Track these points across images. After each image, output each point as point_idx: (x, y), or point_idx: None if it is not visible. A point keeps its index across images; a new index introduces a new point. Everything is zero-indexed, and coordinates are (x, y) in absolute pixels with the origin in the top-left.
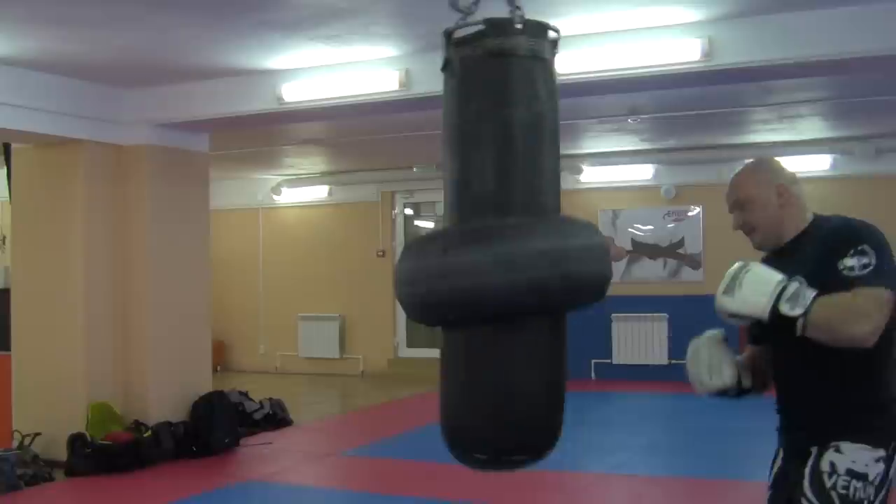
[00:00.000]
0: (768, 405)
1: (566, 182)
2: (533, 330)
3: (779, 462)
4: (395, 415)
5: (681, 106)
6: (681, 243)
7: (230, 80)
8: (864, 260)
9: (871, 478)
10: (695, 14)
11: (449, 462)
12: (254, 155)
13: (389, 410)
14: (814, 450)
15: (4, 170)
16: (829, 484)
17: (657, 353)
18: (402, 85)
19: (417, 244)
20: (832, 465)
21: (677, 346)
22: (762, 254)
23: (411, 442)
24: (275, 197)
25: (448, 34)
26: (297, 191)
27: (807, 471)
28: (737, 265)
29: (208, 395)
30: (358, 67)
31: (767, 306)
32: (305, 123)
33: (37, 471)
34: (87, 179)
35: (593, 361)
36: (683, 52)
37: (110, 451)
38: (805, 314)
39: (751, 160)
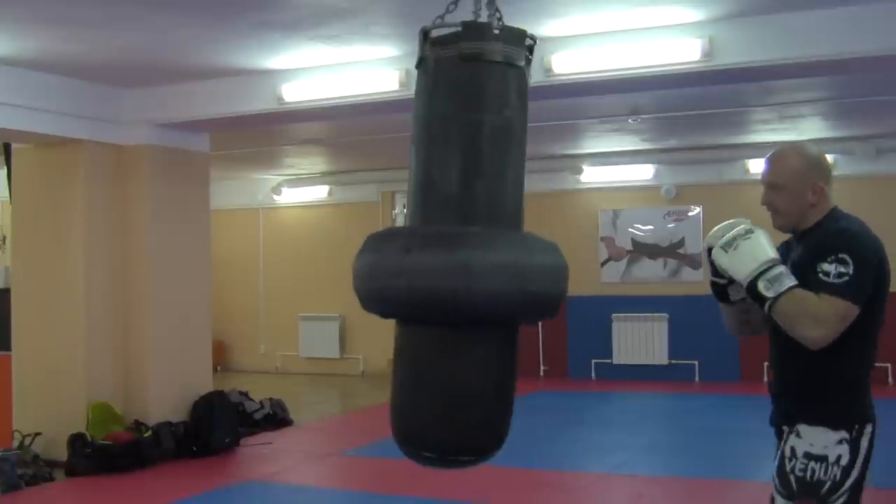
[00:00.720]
0: (767, 406)
1: (566, 182)
2: (485, 336)
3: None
4: None
5: (681, 106)
6: (681, 243)
7: (230, 80)
8: (842, 269)
9: (831, 459)
10: (695, 14)
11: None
12: (254, 155)
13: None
14: (785, 430)
15: (4, 170)
16: (788, 467)
17: (657, 353)
18: (402, 85)
19: (379, 239)
20: (792, 449)
21: (677, 346)
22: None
23: None
24: (275, 197)
25: (425, 33)
26: (298, 191)
27: (778, 451)
28: (743, 226)
29: (208, 395)
30: (358, 67)
31: (748, 278)
32: (305, 123)
33: (37, 471)
34: (87, 179)
35: (593, 361)
36: (683, 52)
37: (110, 451)
38: (774, 299)
39: (797, 144)
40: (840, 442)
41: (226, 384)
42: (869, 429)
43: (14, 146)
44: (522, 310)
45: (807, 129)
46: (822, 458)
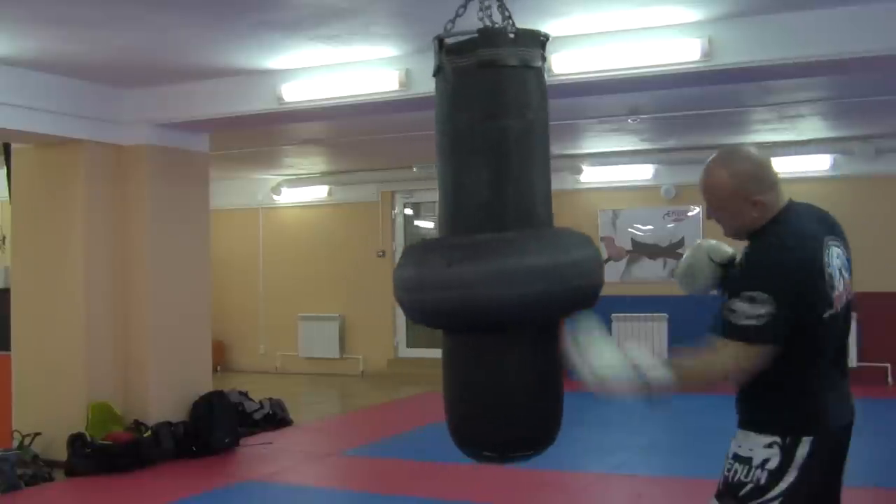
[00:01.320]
0: None
1: (566, 182)
2: (531, 335)
3: None
4: (395, 415)
5: (681, 106)
6: (681, 243)
7: (230, 80)
8: (753, 311)
9: (755, 462)
10: (695, 14)
11: (449, 462)
12: (254, 155)
13: (389, 410)
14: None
15: (4, 170)
16: (722, 468)
17: (657, 353)
18: (402, 85)
19: (421, 252)
20: (728, 451)
21: (677, 346)
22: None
23: (411, 442)
24: (275, 197)
25: (440, 41)
26: (297, 191)
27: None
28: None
29: (208, 395)
30: (358, 67)
31: (638, 385)
32: (305, 123)
33: (37, 471)
34: (87, 179)
35: None
36: (683, 52)
37: (110, 451)
38: (677, 383)
39: (729, 156)
40: (770, 445)
41: (225, 384)
42: (808, 440)
43: (14, 146)
44: (567, 306)
45: (806, 129)
46: (746, 460)
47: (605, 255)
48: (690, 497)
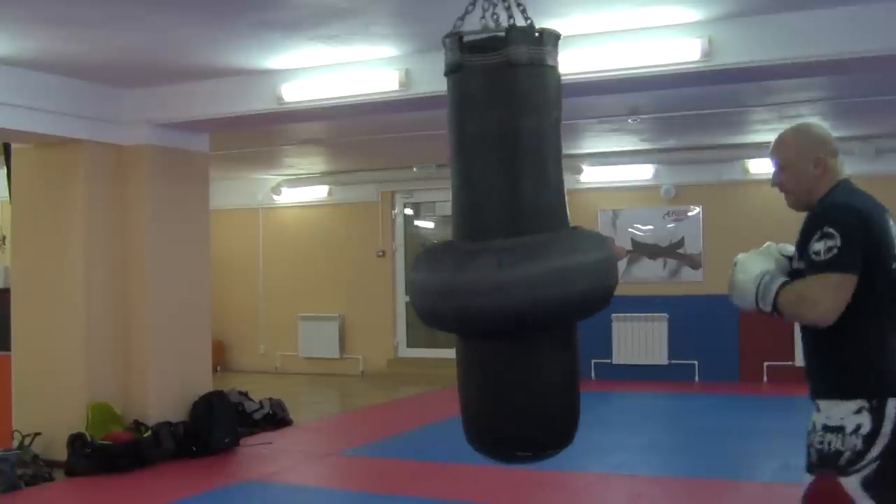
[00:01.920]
0: (768, 405)
1: (566, 182)
2: (557, 335)
3: None
4: (395, 415)
5: (681, 106)
6: (681, 243)
7: (230, 80)
8: (829, 243)
9: (849, 430)
10: (695, 14)
11: (449, 462)
12: (254, 155)
13: (389, 410)
14: (814, 404)
15: (4, 170)
16: (809, 440)
17: (657, 353)
18: (402, 85)
19: (455, 257)
20: (813, 424)
21: (677, 346)
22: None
23: (411, 442)
24: (275, 197)
25: (459, 38)
26: (297, 191)
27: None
28: (734, 261)
29: (208, 395)
30: (358, 67)
31: (752, 301)
32: (305, 123)
33: (37, 471)
34: (87, 179)
35: (593, 361)
36: (683, 52)
37: (110, 451)
38: (773, 308)
39: (798, 124)
40: (859, 411)
41: (225, 384)
42: (894, 400)
43: (14, 146)
44: (602, 303)
45: None
46: (838, 429)
47: None
48: (690, 497)
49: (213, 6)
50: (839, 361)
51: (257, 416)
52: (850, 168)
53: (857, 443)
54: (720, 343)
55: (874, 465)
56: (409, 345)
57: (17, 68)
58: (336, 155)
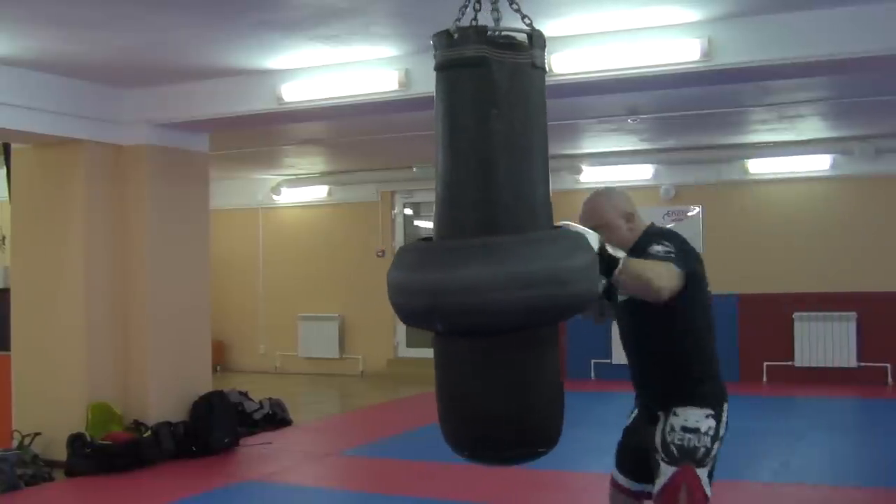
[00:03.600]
0: (767, 406)
1: (566, 182)
2: (548, 333)
3: (632, 420)
4: (394, 415)
5: (681, 106)
6: None
7: (230, 80)
8: (666, 248)
9: (703, 430)
10: (695, 14)
11: (449, 462)
12: (254, 155)
13: (389, 410)
14: (661, 415)
15: (4, 170)
16: (669, 439)
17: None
18: (401, 85)
19: (476, 252)
20: (671, 425)
21: None
22: None
23: (411, 442)
24: (275, 197)
25: (483, 31)
26: (297, 191)
27: (657, 434)
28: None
29: (208, 394)
30: (358, 67)
31: (595, 246)
32: (305, 123)
33: (37, 471)
34: (87, 179)
35: (593, 361)
36: (683, 52)
37: (110, 451)
38: (624, 260)
39: (600, 189)
40: (707, 417)
41: (225, 384)
42: (726, 406)
43: (14, 146)
44: (563, 312)
45: (806, 129)
46: (695, 430)
47: None
48: None
49: (213, 6)
50: (690, 377)
51: (257, 416)
52: (850, 168)
53: (707, 441)
54: (719, 343)
55: (712, 461)
56: (409, 345)
57: (17, 68)
58: (336, 155)
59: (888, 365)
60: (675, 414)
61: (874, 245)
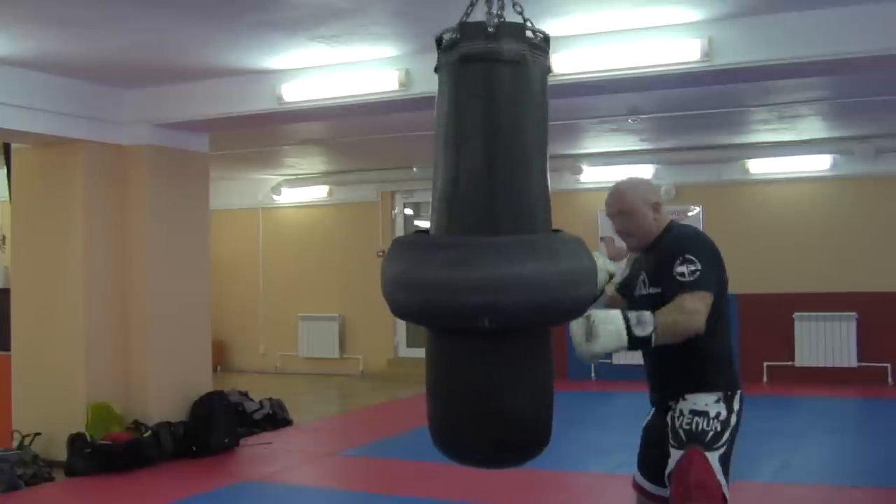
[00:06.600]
0: (767, 406)
1: (566, 182)
2: (546, 333)
3: (649, 417)
4: (394, 415)
5: (681, 106)
6: None
7: (230, 80)
8: (691, 267)
9: (711, 414)
10: (695, 14)
11: (449, 462)
12: (254, 155)
13: (389, 410)
14: (672, 404)
15: (4, 170)
16: (678, 424)
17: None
18: (401, 85)
19: (424, 250)
20: (680, 410)
21: None
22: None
23: (411, 442)
24: (275, 197)
25: (523, 29)
26: (297, 191)
27: (668, 421)
28: (580, 320)
29: (208, 395)
30: (358, 67)
31: (623, 339)
32: (305, 123)
33: (37, 471)
34: (87, 179)
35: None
36: (683, 52)
37: (110, 450)
38: (654, 330)
39: (628, 178)
40: (717, 401)
41: (225, 384)
42: (739, 393)
43: (14, 146)
44: (559, 316)
45: (806, 129)
46: (703, 413)
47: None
48: None
49: (213, 6)
50: (703, 364)
51: (257, 416)
52: (850, 168)
53: (717, 426)
54: None
55: (724, 447)
56: (409, 345)
57: (17, 68)
58: (336, 155)
59: (888, 365)
60: (684, 399)
61: (874, 245)
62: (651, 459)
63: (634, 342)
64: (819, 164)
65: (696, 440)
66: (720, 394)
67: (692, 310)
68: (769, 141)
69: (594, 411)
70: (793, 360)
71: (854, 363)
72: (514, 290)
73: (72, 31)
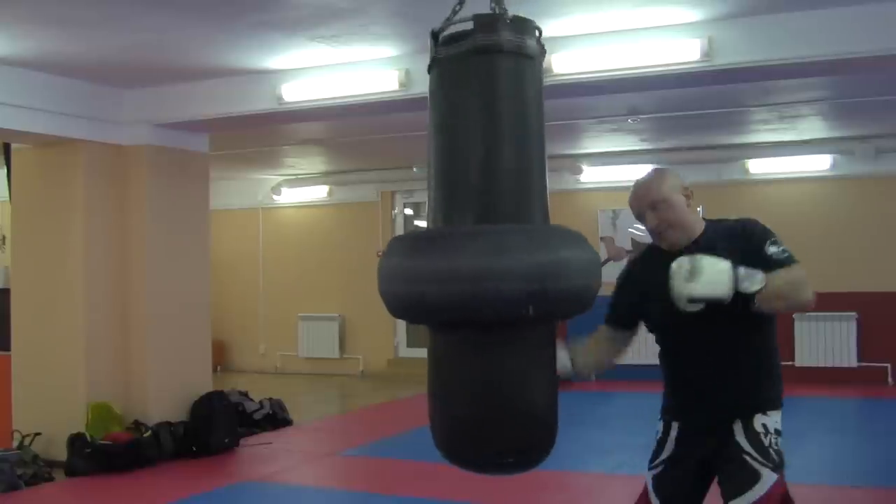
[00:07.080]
0: None
1: (566, 182)
2: (551, 329)
3: (676, 447)
4: (394, 415)
5: (681, 106)
6: None
7: (230, 80)
8: (781, 247)
9: (782, 434)
10: (695, 14)
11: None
12: (254, 155)
13: (389, 410)
14: (738, 421)
15: (4, 170)
16: (766, 443)
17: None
18: (401, 85)
19: (420, 242)
20: (764, 426)
21: None
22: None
23: (411, 442)
24: (275, 197)
25: (534, 25)
26: (297, 191)
27: (743, 438)
28: (685, 258)
29: (208, 395)
30: (358, 67)
31: (729, 286)
32: (305, 123)
33: (37, 471)
34: (87, 179)
35: None
36: (683, 52)
37: (110, 451)
38: (763, 288)
39: (653, 169)
40: (779, 420)
41: (225, 384)
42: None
43: (14, 146)
44: (561, 307)
45: (806, 129)
46: (781, 433)
47: (604, 256)
48: None
49: (213, 6)
50: (772, 376)
51: (257, 416)
52: (850, 168)
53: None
54: None
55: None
56: (409, 345)
57: (17, 68)
58: (336, 155)
59: (888, 365)
60: (766, 414)
61: (874, 245)
62: (684, 486)
63: (736, 297)
64: (819, 164)
65: (783, 464)
66: (781, 412)
67: (805, 280)
68: (769, 141)
69: (594, 411)
70: (793, 359)
71: (854, 363)
72: (562, 276)
73: (72, 31)
